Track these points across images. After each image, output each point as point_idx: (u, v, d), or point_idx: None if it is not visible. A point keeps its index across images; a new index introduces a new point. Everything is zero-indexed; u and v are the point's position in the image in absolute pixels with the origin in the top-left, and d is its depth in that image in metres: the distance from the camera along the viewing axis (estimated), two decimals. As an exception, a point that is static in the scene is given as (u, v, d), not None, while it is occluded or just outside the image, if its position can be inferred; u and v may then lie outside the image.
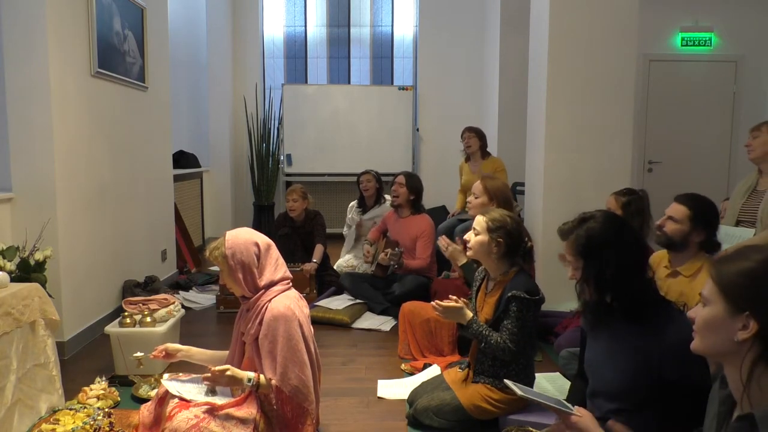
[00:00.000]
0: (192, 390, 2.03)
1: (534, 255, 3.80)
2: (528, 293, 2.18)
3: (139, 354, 2.54)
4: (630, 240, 1.66)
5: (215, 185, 6.62)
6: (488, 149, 4.81)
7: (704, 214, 2.21)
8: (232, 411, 1.92)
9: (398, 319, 3.33)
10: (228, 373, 1.96)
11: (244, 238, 2.07)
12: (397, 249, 3.88)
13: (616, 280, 1.60)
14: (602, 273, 1.61)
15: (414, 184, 4.14)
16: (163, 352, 2.18)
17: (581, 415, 1.48)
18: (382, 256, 3.94)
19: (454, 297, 2.27)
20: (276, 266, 2.11)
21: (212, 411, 1.91)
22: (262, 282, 2.06)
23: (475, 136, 4.71)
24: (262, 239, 2.12)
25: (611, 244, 1.63)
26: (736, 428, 1.09)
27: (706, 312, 1.15)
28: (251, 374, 1.99)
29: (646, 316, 1.58)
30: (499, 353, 2.19)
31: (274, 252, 2.14)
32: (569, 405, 1.54)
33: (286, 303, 2.04)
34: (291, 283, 2.16)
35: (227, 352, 2.25)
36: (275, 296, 2.06)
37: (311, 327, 2.15)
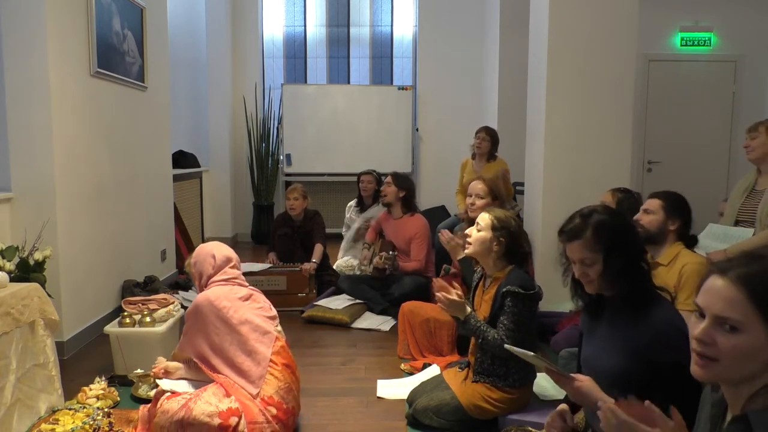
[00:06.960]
0: (183, 385, 2.18)
1: (532, 261, 3.80)
2: (522, 288, 2.18)
3: (139, 371, 2.58)
4: (633, 224, 1.67)
5: (215, 185, 6.61)
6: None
7: (675, 202, 2.39)
8: (216, 389, 2.11)
9: (398, 318, 3.33)
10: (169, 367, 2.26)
11: (206, 250, 2.37)
12: (390, 252, 3.86)
13: (634, 267, 1.58)
14: (621, 262, 1.57)
15: (402, 181, 4.11)
16: (163, 370, 2.26)
17: (582, 380, 1.52)
18: (376, 260, 3.92)
19: (458, 287, 2.28)
20: (226, 278, 2.33)
21: (199, 393, 2.08)
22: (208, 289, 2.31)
23: (489, 140, 4.65)
24: (222, 253, 2.35)
25: (626, 231, 1.62)
26: (731, 431, 1.05)
27: (741, 341, 0.93)
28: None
29: (640, 303, 1.58)
30: (496, 350, 2.20)
31: (230, 269, 2.34)
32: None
33: (206, 293, 2.25)
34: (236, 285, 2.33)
35: None
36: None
37: (259, 303, 2.32)
